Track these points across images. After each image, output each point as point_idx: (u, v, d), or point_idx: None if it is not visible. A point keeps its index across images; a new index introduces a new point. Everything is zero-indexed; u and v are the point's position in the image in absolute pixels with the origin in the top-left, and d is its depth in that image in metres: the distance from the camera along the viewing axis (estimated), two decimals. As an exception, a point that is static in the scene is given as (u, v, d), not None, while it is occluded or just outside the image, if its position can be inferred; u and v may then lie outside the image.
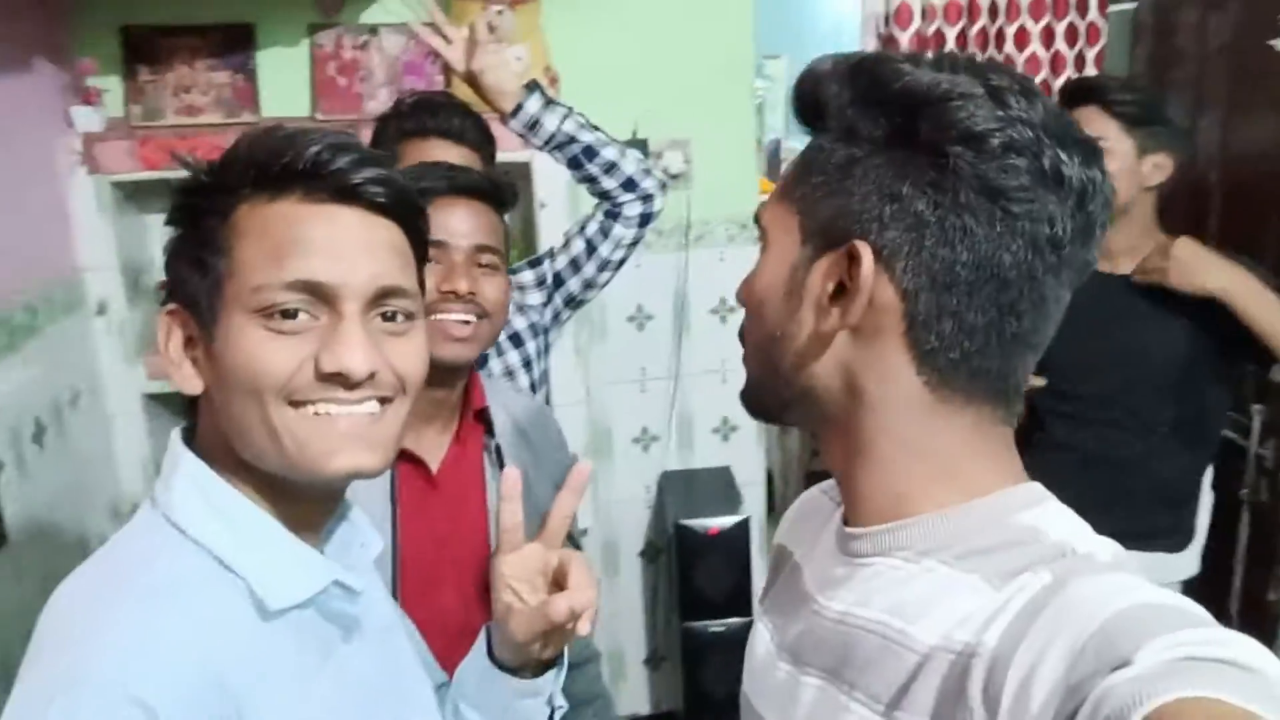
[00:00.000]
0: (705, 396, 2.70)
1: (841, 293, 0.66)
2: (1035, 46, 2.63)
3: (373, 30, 2.36)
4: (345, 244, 0.76)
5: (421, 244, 0.84)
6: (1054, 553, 0.61)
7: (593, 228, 1.72)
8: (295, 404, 0.74)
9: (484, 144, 1.68)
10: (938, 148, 0.62)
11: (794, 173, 0.71)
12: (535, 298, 1.73)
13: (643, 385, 2.67)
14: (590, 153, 1.64)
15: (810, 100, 0.69)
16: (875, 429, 0.67)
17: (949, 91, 0.62)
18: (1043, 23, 2.63)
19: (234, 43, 2.32)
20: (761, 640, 0.80)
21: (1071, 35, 2.64)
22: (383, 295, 0.77)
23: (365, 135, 2.25)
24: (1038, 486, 0.68)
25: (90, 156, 2.14)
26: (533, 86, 1.63)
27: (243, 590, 0.75)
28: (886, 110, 0.64)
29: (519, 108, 1.61)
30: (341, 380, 0.75)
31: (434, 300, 1.22)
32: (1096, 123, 1.73)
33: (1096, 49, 2.65)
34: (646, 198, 1.69)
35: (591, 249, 1.72)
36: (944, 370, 0.65)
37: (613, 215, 1.70)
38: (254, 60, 2.33)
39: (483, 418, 1.33)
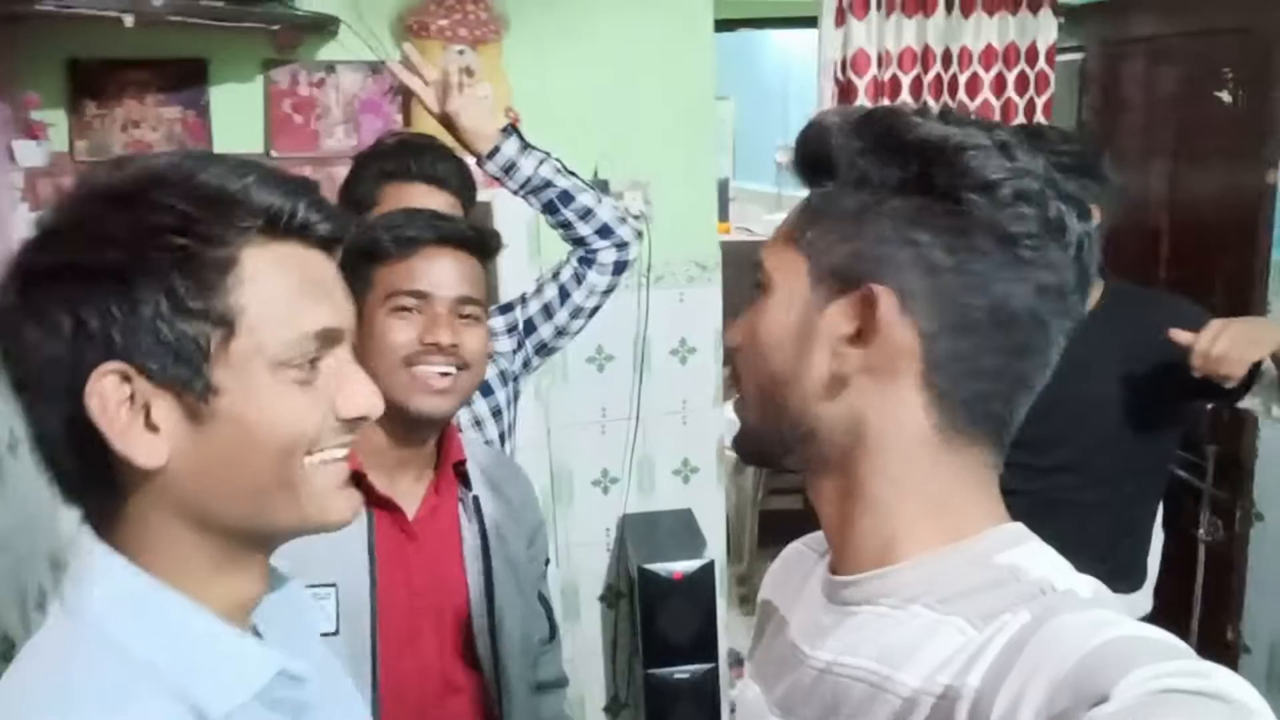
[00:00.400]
0: (666, 438, 2.68)
1: (859, 335, 0.66)
2: (987, 94, 2.69)
3: (330, 68, 2.33)
4: (334, 286, 0.74)
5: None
6: (1034, 591, 0.62)
7: (566, 274, 1.69)
8: (309, 453, 0.72)
9: (465, 189, 1.65)
10: (953, 195, 0.64)
11: (799, 219, 0.71)
12: (505, 344, 1.70)
13: (603, 427, 2.64)
14: (566, 198, 1.62)
15: (815, 151, 0.70)
16: (871, 470, 0.68)
17: (963, 142, 0.64)
18: (994, 71, 2.69)
19: (186, 78, 2.27)
20: (752, 692, 0.80)
21: (1022, 83, 2.70)
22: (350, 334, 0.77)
23: (320, 174, 2.21)
24: (1020, 527, 0.69)
25: (33, 192, 2.07)
26: (510, 129, 1.60)
27: (179, 698, 0.68)
28: (900, 159, 0.66)
29: (495, 150, 1.58)
30: (361, 422, 0.74)
31: (415, 352, 1.21)
32: None
33: (1045, 97, 2.72)
34: (622, 245, 1.68)
35: (565, 295, 1.69)
36: (954, 411, 0.66)
37: (587, 262, 1.68)
38: (207, 96, 2.28)
39: (459, 470, 1.30)
